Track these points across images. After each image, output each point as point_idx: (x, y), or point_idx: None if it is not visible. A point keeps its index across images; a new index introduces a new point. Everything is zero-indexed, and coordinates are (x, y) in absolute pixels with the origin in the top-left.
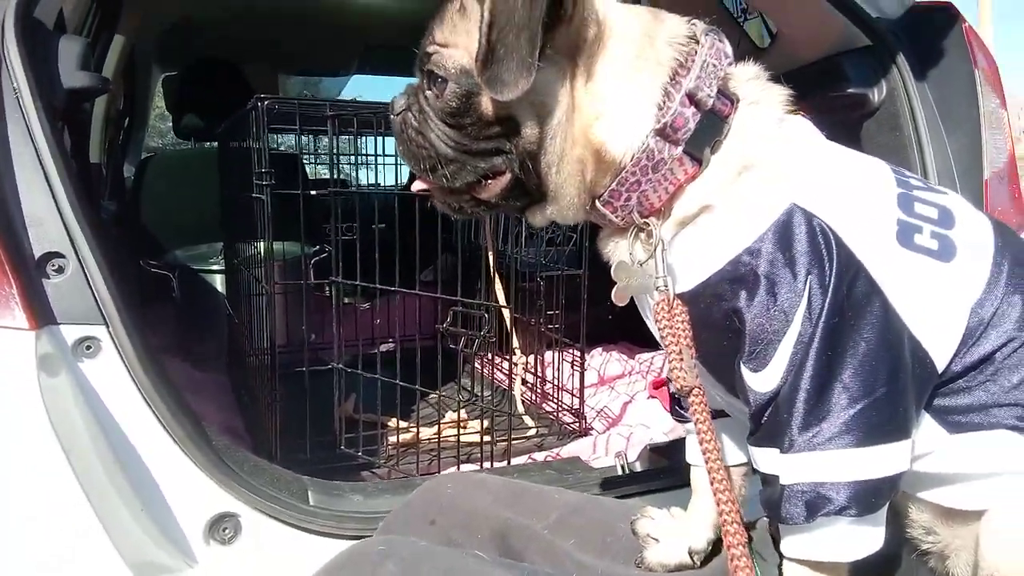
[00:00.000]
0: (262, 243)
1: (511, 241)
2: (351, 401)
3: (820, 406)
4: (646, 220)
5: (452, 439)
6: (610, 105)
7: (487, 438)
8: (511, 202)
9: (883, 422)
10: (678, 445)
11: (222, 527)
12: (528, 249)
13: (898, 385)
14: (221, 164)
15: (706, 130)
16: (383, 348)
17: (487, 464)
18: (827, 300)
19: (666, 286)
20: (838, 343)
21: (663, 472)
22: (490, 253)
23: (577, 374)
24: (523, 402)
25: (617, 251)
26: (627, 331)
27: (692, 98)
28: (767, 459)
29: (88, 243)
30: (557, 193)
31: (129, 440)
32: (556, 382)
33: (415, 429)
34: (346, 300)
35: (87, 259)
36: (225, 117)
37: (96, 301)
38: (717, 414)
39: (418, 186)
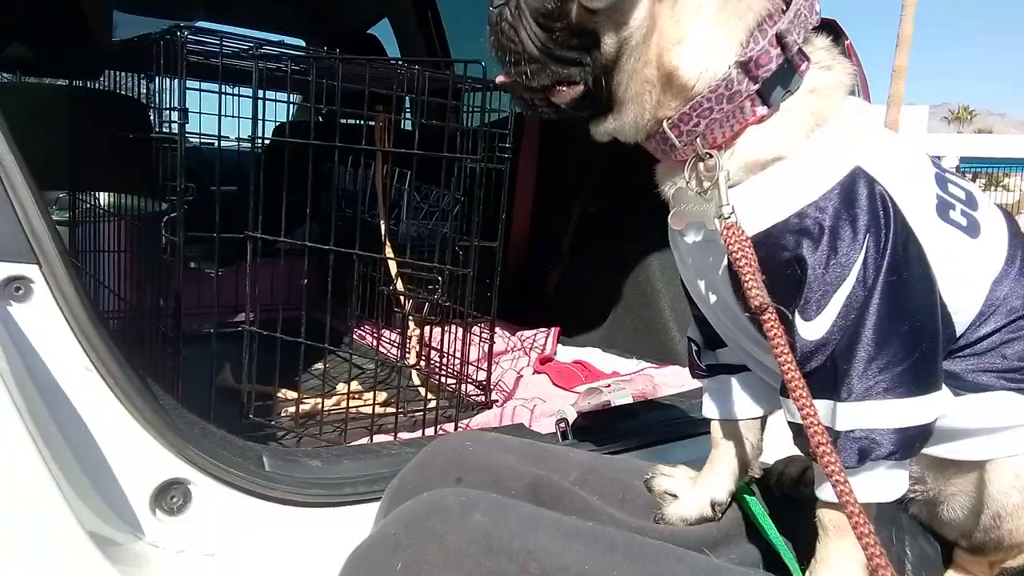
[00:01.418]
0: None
1: (401, 212)
2: (226, 371)
3: (879, 358)
4: (708, 152)
5: (353, 410)
6: (692, 33)
7: (389, 408)
8: (579, 111)
9: (927, 374)
10: (608, 414)
11: (170, 495)
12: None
13: (937, 342)
14: (74, 102)
15: (783, 76)
16: (239, 318)
17: (401, 435)
18: (886, 259)
19: (732, 212)
20: (895, 300)
21: (608, 437)
22: (382, 223)
23: (474, 347)
24: (417, 374)
25: (676, 183)
26: (508, 308)
27: (780, 40)
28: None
29: (17, 168)
30: (622, 108)
31: (67, 396)
32: (462, 354)
33: (313, 400)
34: (192, 265)
35: (17, 186)
36: (63, 48)
37: (26, 235)
38: (735, 369)
39: (500, 79)
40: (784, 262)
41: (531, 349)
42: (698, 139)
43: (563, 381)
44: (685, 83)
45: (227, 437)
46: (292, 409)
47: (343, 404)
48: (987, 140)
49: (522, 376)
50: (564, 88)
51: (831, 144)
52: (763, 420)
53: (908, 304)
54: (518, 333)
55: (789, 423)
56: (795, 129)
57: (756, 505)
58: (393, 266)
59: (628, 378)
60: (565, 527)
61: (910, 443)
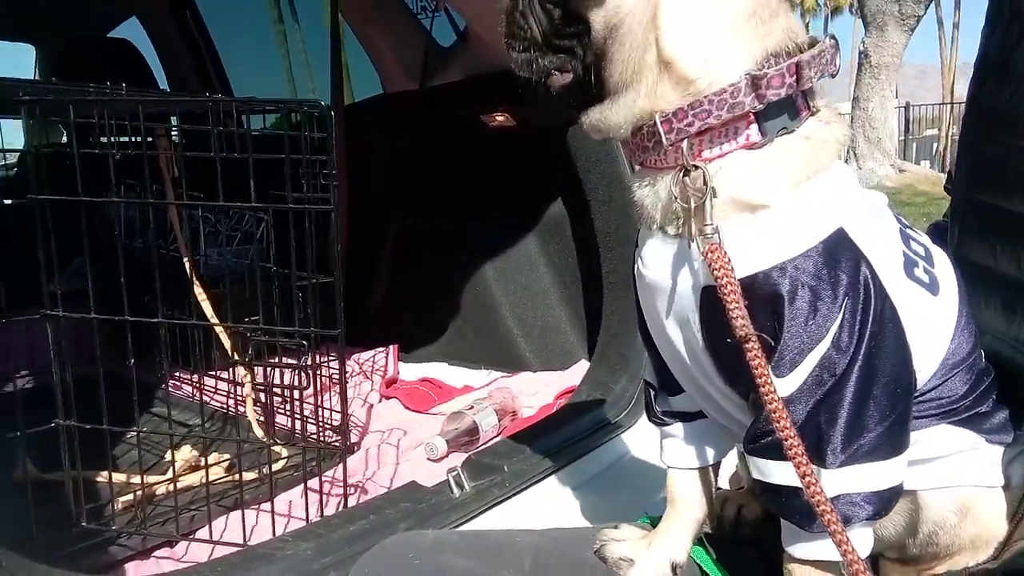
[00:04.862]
0: None
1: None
2: (26, 462)
3: (859, 423)
4: (695, 164)
5: (200, 484)
6: (702, 33)
7: (248, 475)
8: (568, 98)
9: (901, 435)
10: (495, 449)
11: None
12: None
13: (909, 401)
14: None
15: (783, 110)
16: (19, 384)
17: (267, 506)
18: (867, 326)
19: (716, 231)
20: (873, 365)
21: (508, 477)
22: (187, 260)
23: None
24: (259, 425)
25: (656, 192)
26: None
27: (799, 70)
28: (787, 472)
29: None
30: (616, 95)
31: None
32: (314, 399)
33: (154, 481)
34: None
35: None
36: None
37: None
38: (688, 416)
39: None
40: (760, 314)
41: (372, 372)
42: (685, 142)
43: (416, 404)
44: (686, 76)
45: None
46: (126, 498)
47: (191, 480)
48: None
49: (371, 404)
50: (557, 74)
51: (818, 200)
52: (716, 467)
53: (884, 367)
54: (353, 356)
55: (757, 481)
56: (784, 174)
57: (706, 559)
58: (210, 310)
59: (486, 393)
60: None
61: (887, 503)
